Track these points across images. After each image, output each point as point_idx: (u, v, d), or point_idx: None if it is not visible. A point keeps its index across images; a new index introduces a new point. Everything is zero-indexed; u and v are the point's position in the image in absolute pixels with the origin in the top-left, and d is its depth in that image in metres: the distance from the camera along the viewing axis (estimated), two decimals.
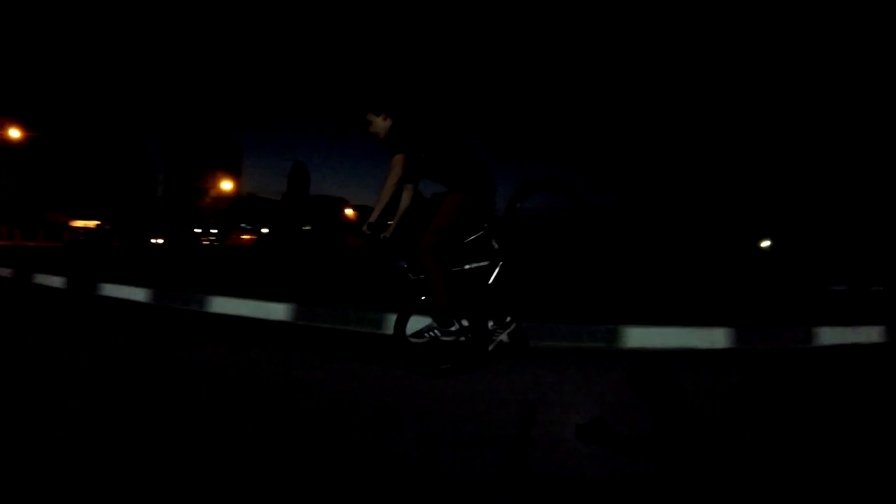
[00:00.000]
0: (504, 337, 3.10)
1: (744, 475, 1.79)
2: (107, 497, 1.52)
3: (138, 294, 5.85)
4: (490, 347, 3.00)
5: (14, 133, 30.46)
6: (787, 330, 4.17)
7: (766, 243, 47.37)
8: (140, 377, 2.77)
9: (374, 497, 1.60)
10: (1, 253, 15.55)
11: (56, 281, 7.17)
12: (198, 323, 4.58)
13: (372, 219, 2.97)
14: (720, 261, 20.88)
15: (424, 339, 3.04)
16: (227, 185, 66.48)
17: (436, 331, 2.99)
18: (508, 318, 3.10)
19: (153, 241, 48.16)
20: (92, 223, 48.99)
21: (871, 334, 4.25)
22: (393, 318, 3.38)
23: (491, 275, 3.04)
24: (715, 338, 4.00)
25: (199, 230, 63.87)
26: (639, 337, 3.96)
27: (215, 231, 65.51)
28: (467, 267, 3.07)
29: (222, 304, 5.12)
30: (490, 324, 3.04)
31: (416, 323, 3.16)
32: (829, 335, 4.13)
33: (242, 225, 79.76)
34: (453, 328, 2.95)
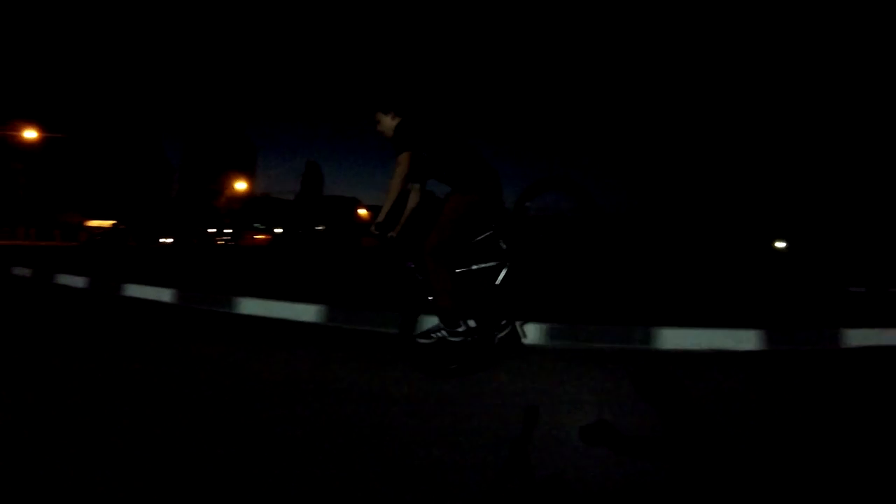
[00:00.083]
0: (502, 334, 3.09)
1: (760, 479, 1.76)
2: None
3: (163, 295, 5.82)
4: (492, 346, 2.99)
5: (31, 134, 30.93)
6: (816, 332, 4.11)
7: (781, 244, 46.69)
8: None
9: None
10: (20, 253, 15.75)
11: (79, 281, 7.15)
12: (232, 325, 4.53)
13: (379, 219, 2.97)
14: (735, 262, 20.61)
15: (431, 340, 3.03)
16: (241, 186, 67.10)
17: (443, 331, 2.98)
18: (503, 322, 3.10)
19: (161, 240, 48.67)
20: (107, 223, 49.64)
21: None
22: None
23: (498, 276, 3.02)
24: (744, 339, 3.93)
25: (214, 230, 64.47)
26: (673, 338, 3.91)
27: (229, 231, 66.07)
28: (475, 267, 3.06)
29: (251, 306, 5.08)
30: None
31: (425, 322, 3.16)
32: (857, 337, 4.06)
33: (256, 225, 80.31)
34: (460, 329, 2.94)
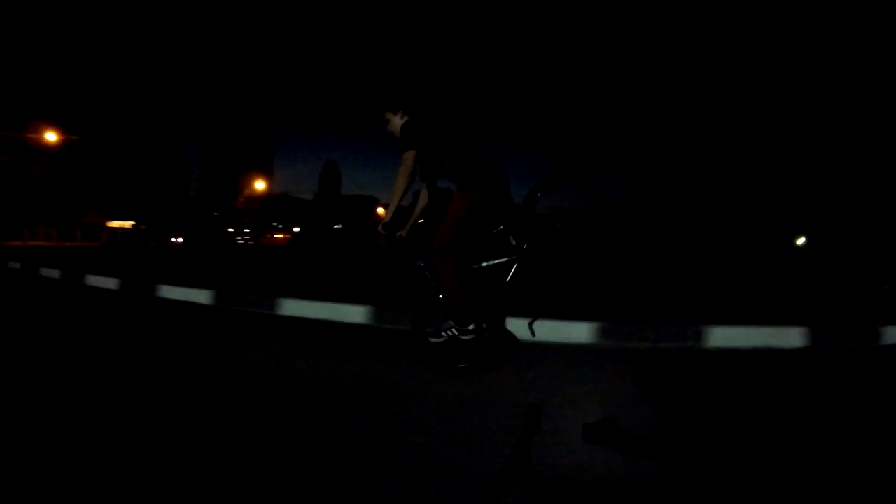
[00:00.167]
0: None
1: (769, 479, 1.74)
2: None
3: (200, 297, 5.72)
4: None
5: (51, 136, 31.55)
6: (859, 329, 4.06)
7: (801, 241, 45.81)
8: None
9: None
10: (44, 254, 15.89)
11: (110, 283, 7.01)
12: (277, 326, 4.50)
13: (386, 218, 2.97)
14: (756, 259, 20.26)
15: (442, 339, 3.03)
16: (259, 185, 67.68)
17: (453, 329, 2.97)
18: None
19: (175, 239, 49.47)
20: (128, 223, 50.50)
21: None
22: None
23: (509, 272, 2.99)
24: (790, 337, 3.90)
25: (233, 229, 65.38)
26: (720, 336, 3.87)
27: (248, 230, 66.97)
28: (484, 264, 3.04)
29: (291, 307, 5.05)
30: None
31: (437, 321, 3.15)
32: None
33: (274, 224, 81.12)
34: (470, 327, 2.93)
